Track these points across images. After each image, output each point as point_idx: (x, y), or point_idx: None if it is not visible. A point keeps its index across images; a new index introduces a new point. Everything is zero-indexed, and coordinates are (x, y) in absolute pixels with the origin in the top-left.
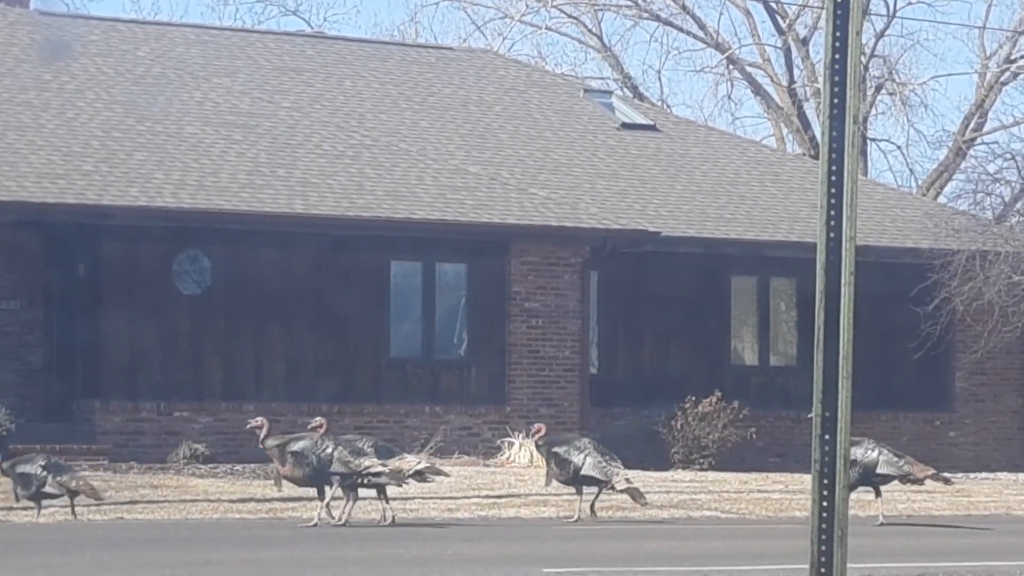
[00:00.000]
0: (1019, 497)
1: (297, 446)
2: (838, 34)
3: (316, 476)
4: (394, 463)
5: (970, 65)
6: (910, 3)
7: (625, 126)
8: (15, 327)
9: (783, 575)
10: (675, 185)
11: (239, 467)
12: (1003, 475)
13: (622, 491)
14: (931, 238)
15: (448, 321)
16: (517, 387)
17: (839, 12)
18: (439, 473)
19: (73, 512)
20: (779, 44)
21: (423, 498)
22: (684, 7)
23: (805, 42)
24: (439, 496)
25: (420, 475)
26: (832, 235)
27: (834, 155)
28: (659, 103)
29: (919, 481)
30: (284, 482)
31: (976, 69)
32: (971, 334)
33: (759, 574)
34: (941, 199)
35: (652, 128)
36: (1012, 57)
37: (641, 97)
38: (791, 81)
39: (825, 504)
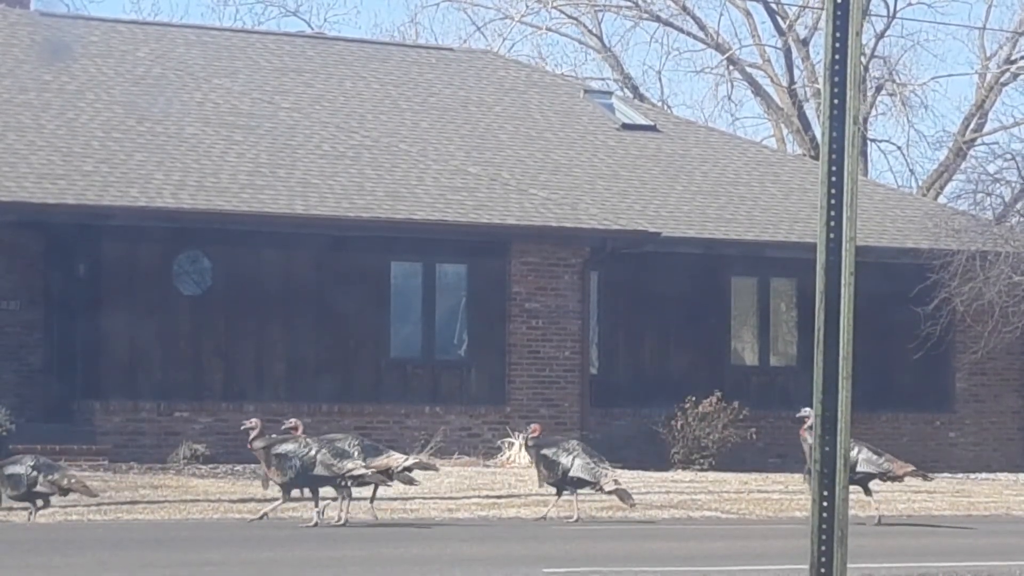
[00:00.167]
0: (1019, 498)
1: (281, 449)
2: (838, 35)
3: (300, 478)
4: (382, 460)
5: (970, 66)
6: (910, 4)
7: (625, 127)
8: (15, 327)
9: (783, 575)
10: (675, 186)
11: (239, 467)
12: (1003, 475)
13: (610, 492)
14: (931, 238)
15: (448, 322)
16: (517, 387)
17: (839, 13)
18: (429, 468)
19: (80, 506)
20: (779, 45)
21: (423, 498)
22: (684, 8)
23: (805, 43)
24: (439, 496)
25: (408, 471)
26: (832, 235)
27: (834, 156)
28: (659, 104)
29: (899, 478)
30: (271, 484)
31: (976, 70)
32: (971, 334)
33: (759, 574)
34: (941, 199)
35: (652, 129)
36: (1012, 58)
37: (641, 98)
38: (791, 82)
39: (825, 504)
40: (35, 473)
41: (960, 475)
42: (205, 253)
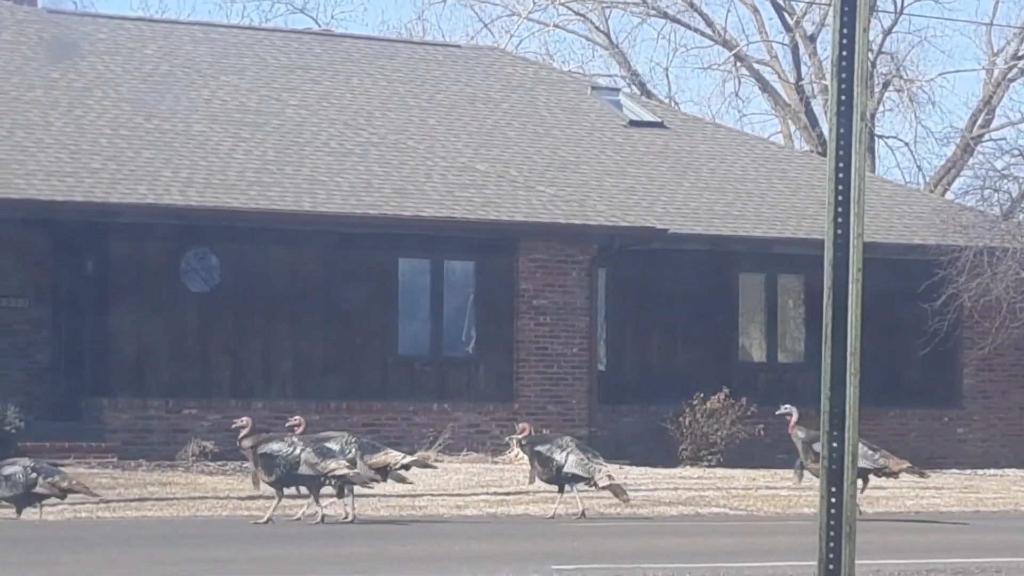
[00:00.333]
0: None
1: (267, 448)
2: (845, 31)
3: (286, 477)
4: (379, 458)
5: (978, 62)
6: (918, 0)
7: (633, 123)
8: (23, 325)
9: (792, 571)
10: (683, 182)
11: (247, 464)
12: (1011, 471)
13: (604, 488)
14: (939, 234)
15: (456, 318)
16: (525, 384)
17: (846, 9)
18: (427, 466)
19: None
20: (786, 41)
21: (432, 495)
22: (691, 4)
23: (812, 39)
24: (448, 493)
25: (407, 468)
26: (840, 232)
27: (842, 152)
28: (667, 100)
29: (894, 474)
30: (262, 483)
31: (984, 66)
32: (979, 330)
33: (768, 570)
34: (949, 195)
35: (660, 125)
36: (1020, 54)
37: (648, 94)
38: (798, 78)
39: (833, 501)
40: (35, 475)
41: (968, 471)
42: (213, 250)
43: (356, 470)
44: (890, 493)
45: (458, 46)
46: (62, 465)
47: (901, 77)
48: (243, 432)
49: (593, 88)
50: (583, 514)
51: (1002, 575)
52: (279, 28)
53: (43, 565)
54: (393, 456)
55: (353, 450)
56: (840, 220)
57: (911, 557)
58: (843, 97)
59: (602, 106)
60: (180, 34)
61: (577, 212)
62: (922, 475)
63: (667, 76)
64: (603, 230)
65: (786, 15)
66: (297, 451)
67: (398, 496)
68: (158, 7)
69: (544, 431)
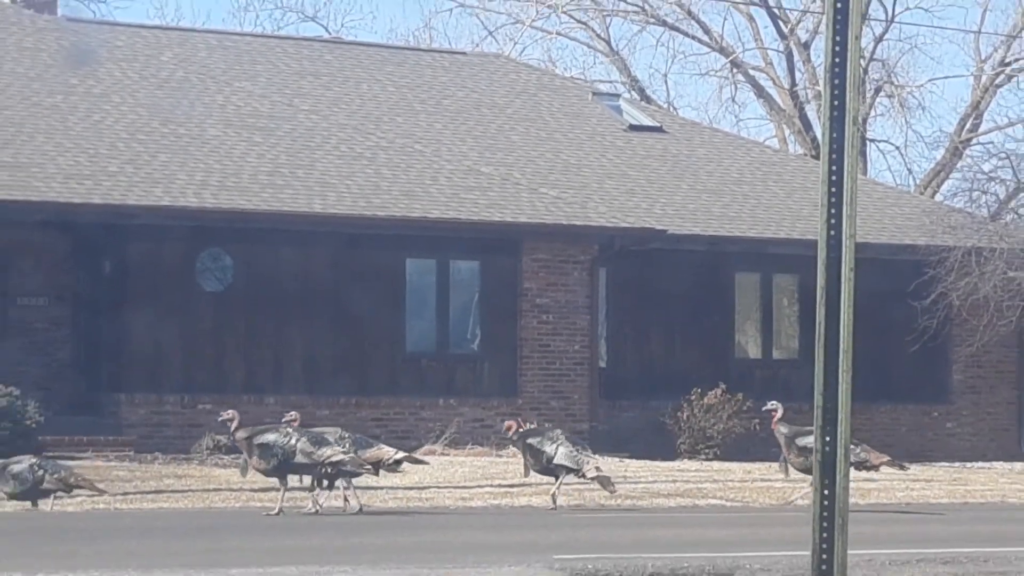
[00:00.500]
0: (1015, 486)
1: (263, 439)
2: (838, 38)
3: (282, 467)
4: (372, 452)
5: (966, 68)
6: (908, 8)
7: (632, 128)
8: (43, 323)
9: (787, 561)
10: (681, 185)
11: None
12: (999, 464)
13: (592, 478)
14: (928, 235)
15: (462, 317)
16: (528, 380)
17: (839, 17)
18: (418, 462)
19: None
20: (781, 48)
21: (438, 487)
22: (689, 12)
23: (806, 46)
24: (453, 485)
25: (398, 463)
26: (832, 233)
27: (834, 155)
28: (665, 105)
29: (875, 467)
30: (251, 471)
31: (972, 72)
32: (967, 328)
33: (763, 560)
34: (938, 197)
35: (659, 130)
36: (1006, 60)
37: (648, 100)
38: (793, 84)
39: (826, 492)
40: (40, 472)
41: (957, 464)
42: (226, 251)
43: (349, 457)
44: (881, 485)
45: (464, 53)
46: (81, 458)
47: (892, 83)
48: (233, 425)
49: (594, 94)
50: (554, 503)
51: (989, 564)
52: (291, 36)
53: (63, 556)
54: (386, 451)
55: (347, 444)
56: (833, 221)
57: (902, 547)
58: (836, 102)
59: (603, 111)
60: (195, 42)
61: (579, 213)
62: (902, 468)
63: (666, 82)
64: (604, 231)
65: (781, 23)
66: (293, 440)
67: (405, 488)
68: (174, 16)
69: (546, 425)
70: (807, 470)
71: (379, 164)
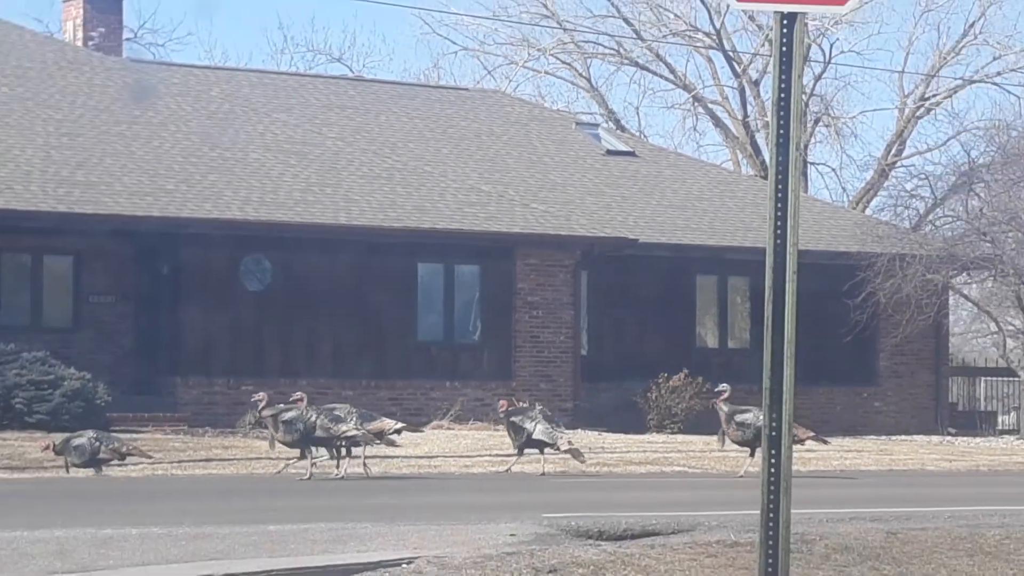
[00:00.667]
0: (932, 455)
1: (287, 416)
2: (783, 77)
3: (303, 440)
4: (375, 424)
5: (892, 102)
6: (843, 52)
7: (609, 152)
8: (111, 318)
9: (740, 519)
10: (650, 201)
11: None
12: (919, 437)
13: (565, 451)
14: (859, 244)
15: (464, 312)
16: (521, 366)
17: (784, 59)
18: (415, 430)
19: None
20: (735, 85)
21: (445, 456)
22: (657, 55)
23: (756, 83)
24: (457, 455)
25: (398, 433)
26: (779, 241)
27: (780, 176)
28: (637, 134)
29: (801, 441)
30: (277, 444)
31: (896, 105)
32: (892, 322)
33: (720, 518)
34: (868, 212)
35: (631, 154)
36: (926, 96)
37: (623, 129)
38: (745, 115)
39: (773, 461)
40: (97, 443)
41: (883, 437)
42: (266, 256)
43: (362, 432)
44: (820, 455)
45: (466, 89)
46: (142, 432)
47: (829, 115)
48: (262, 404)
49: (577, 124)
50: (509, 471)
51: (911, 521)
52: (320, 74)
53: (127, 514)
54: (387, 423)
55: (354, 418)
56: (779, 232)
57: (837, 507)
58: (781, 131)
59: (584, 138)
60: (239, 79)
61: (563, 225)
62: (824, 442)
63: (638, 114)
64: (585, 240)
65: (735, 64)
66: (313, 418)
67: (417, 457)
68: (221, 57)
69: (530, 405)
70: (742, 442)
71: (395, 183)
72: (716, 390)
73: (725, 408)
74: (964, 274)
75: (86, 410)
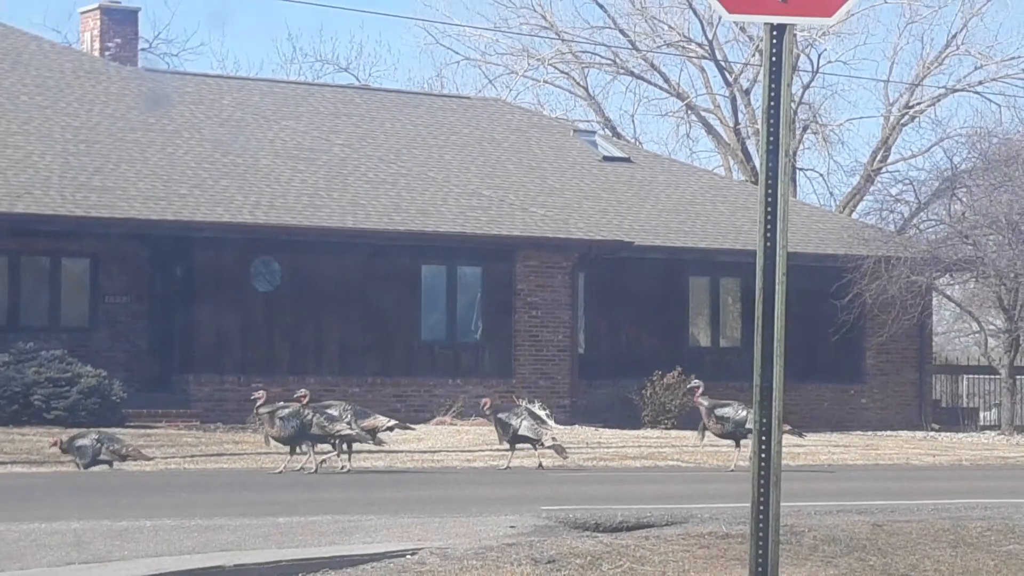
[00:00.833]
0: (916, 450)
1: (284, 413)
2: (773, 86)
3: (298, 436)
4: (369, 422)
5: (877, 110)
6: (830, 62)
7: (606, 159)
8: (126, 317)
9: (731, 511)
10: (645, 205)
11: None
12: (903, 433)
13: (549, 447)
14: (846, 246)
15: (467, 312)
16: (521, 364)
17: (774, 69)
18: (407, 428)
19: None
20: (727, 94)
21: (447, 451)
22: (652, 65)
23: (747, 92)
24: (459, 450)
25: (390, 430)
26: (769, 244)
27: (770, 181)
28: (633, 140)
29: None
30: (272, 441)
31: (882, 113)
32: (878, 322)
33: (712, 510)
34: (855, 216)
35: (627, 160)
36: (910, 104)
37: (618, 136)
38: (736, 123)
39: (763, 455)
40: (99, 444)
41: (869, 433)
42: (275, 258)
43: (356, 430)
44: (808, 450)
45: (468, 98)
46: (156, 427)
47: (817, 122)
48: (260, 401)
49: (574, 131)
50: (508, 466)
51: (896, 513)
52: (328, 83)
53: (139, 507)
54: (380, 421)
55: (349, 415)
56: (769, 235)
57: (825, 500)
58: (771, 138)
59: (581, 145)
60: (250, 88)
61: (562, 228)
62: (800, 435)
63: (633, 121)
64: (582, 242)
65: (727, 74)
66: (309, 416)
67: (420, 452)
68: (233, 66)
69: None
70: (722, 435)
71: (399, 188)
72: (690, 387)
73: (705, 403)
74: (947, 276)
75: (102, 406)
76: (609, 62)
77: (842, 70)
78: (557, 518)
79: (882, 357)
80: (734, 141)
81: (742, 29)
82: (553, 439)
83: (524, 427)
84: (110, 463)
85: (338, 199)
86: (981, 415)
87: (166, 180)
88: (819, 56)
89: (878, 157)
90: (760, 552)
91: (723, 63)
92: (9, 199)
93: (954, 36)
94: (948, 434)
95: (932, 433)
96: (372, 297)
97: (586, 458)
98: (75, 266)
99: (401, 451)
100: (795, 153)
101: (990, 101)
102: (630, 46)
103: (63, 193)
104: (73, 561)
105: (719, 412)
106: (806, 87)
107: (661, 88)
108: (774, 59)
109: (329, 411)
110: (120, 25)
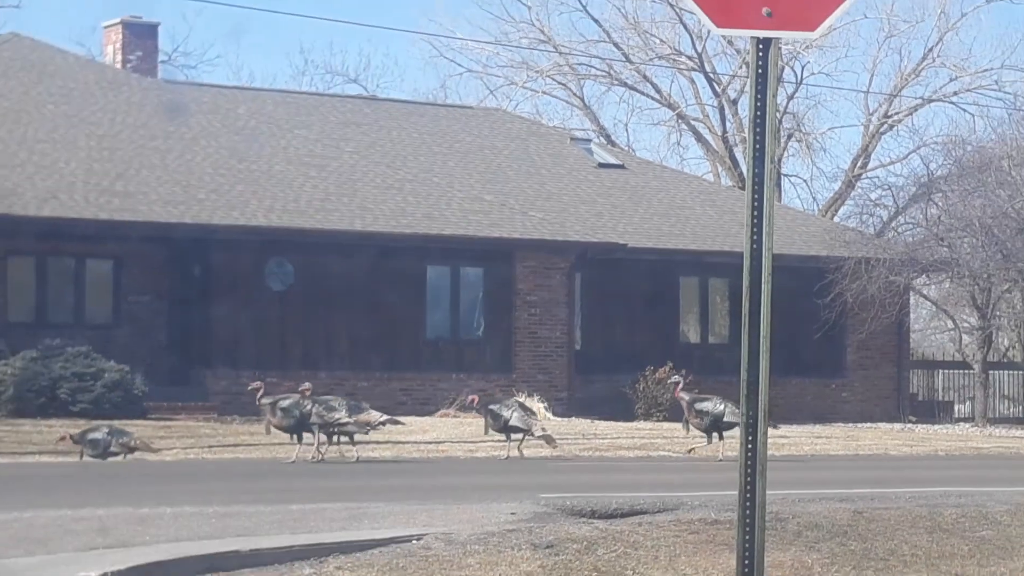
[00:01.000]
0: (895, 441)
1: (285, 403)
2: (759, 97)
3: (298, 426)
4: (363, 416)
5: (858, 119)
6: (813, 73)
7: (601, 165)
8: (147, 315)
9: (719, 499)
10: (638, 209)
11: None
12: (882, 425)
13: (539, 437)
14: (828, 248)
15: (469, 310)
16: (521, 360)
17: (760, 81)
18: (397, 422)
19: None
20: (715, 104)
21: (451, 442)
22: (645, 77)
23: (735, 102)
24: (462, 441)
25: (383, 424)
26: (755, 246)
27: (756, 186)
28: (626, 148)
29: None
30: (273, 430)
31: (862, 122)
32: (858, 319)
33: (702, 498)
34: (836, 219)
35: (621, 167)
36: (889, 113)
37: (613, 144)
38: (724, 131)
39: (750, 446)
40: (109, 437)
41: (850, 425)
42: (288, 259)
43: (353, 421)
44: (792, 441)
45: (471, 107)
46: (175, 419)
47: (801, 131)
48: (259, 393)
49: (571, 139)
50: (508, 457)
51: (875, 501)
52: (338, 94)
53: (160, 495)
54: (373, 415)
55: (344, 409)
56: (755, 237)
57: (808, 488)
58: (757, 146)
59: (578, 152)
60: (264, 98)
61: (559, 231)
62: (775, 427)
63: (626, 130)
64: (578, 244)
65: (715, 85)
66: (309, 407)
67: (426, 443)
68: (247, 77)
69: (535, 395)
70: (702, 429)
71: (406, 193)
72: (670, 381)
73: (686, 397)
74: (924, 276)
75: (125, 399)
76: (604, 74)
77: (825, 81)
78: (555, 505)
79: (862, 353)
80: (722, 149)
81: (729, 43)
82: (543, 429)
83: (515, 418)
84: (117, 455)
85: (347, 203)
86: (956, 408)
87: (185, 185)
88: (803, 68)
89: (858, 164)
90: (747, 537)
91: (712, 75)
92: (36, 203)
93: (930, 49)
94: (924, 426)
95: (909, 425)
96: (379, 296)
97: (582, 448)
98: (99, 267)
99: (407, 442)
100: (780, 160)
101: (964, 111)
102: (624, 59)
103: (87, 198)
104: (98, 546)
105: (699, 406)
106: (790, 97)
107: (653, 98)
108: (760, 71)
109: (329, 403)
110: (141, 39)
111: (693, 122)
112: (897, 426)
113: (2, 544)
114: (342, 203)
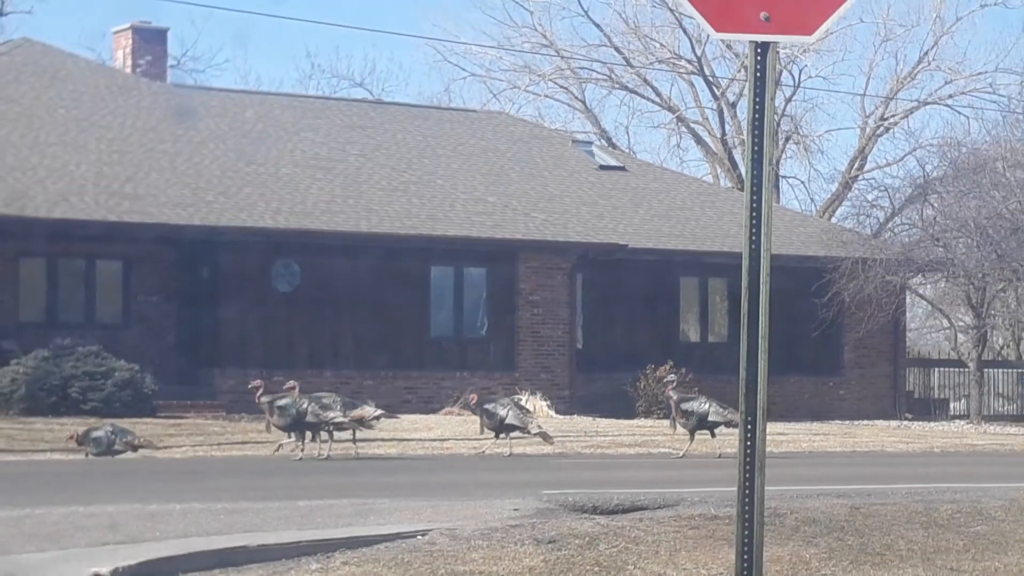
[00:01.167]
0: (891, 438)
1: (281, 402)
2: (757, 100)
3: (295, 424)
4: (358, 412)
5: (854, 122)
6: (810, 77)
7: (602, 167)
8: (156, 315)
9: (718, 495)
10: (639, 210)
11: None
12: (879, 422)
13: (535, 434)
14: (826, 248)
15: (473, 310)
16: (523, 358)
17: (758, 84)
18: (392, 417)
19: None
20: (714, 107)
21: (455, 439)
22: (645, 80)
23: (733, 105)
24: (466, 438)
25: (377, 419)
26: (753, 247)
27: (755, 188)
28: (627, 150)
29: (736, 424)
30: (273, 428)
31: (859, 125)
32: (855, 319)
33: (701, 494)
34: (833, 220)
35: (622, 169)
36: (885, 116)
37: (614, 146)
38: (723, 134)
39: (748, 443)
40: (112, 436)
41: (847, 422)
42: (295, 261)
43: (347, 419)
44: (790, 438)
45: (474, 111)
46: (184, 418)
47: (798, 133)
48: (259, 391)
49: (573, 141)
50: (511, 454)
51: (872, 496)
52: (344, 97)
53: (170, 491)
54: (368, 411)
55: (339, 405)
56: (754, 238)
57: (806, 484)
58: (756, 148)
59: (579, 155)
60: (272, 102)
61: (561, 232)
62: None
63: (627, 132)
64: (580, 245)
65: (714, 88)
66: (305, 405)
67: (431, 440)
68: (255, 81)
69: (538, 393)
70: (687, 428)
71: (410, 195)
72: (664, 380)
73: (674, 396)
74: (919, 276)
75: (135, 398)
76: (605, 77)
77: (822, 85)
78: (557, 501)
79: (859, 352)
80: (721, 151)
81: (728, 47)
82: (539, 427)
83: (511, 416)
84: (121, 453)
85: (353, 205)
86: (951, 405)
87: (193, 188)
88: (800, 72)
89: (855, 165)
90: (746, 532)
91: (711, 78)
92: (47, 205)
93: (926, 53)
94: (920, 423)
95: (905, 422)
96: (385, 296)
97: (584, 446)
98: (109, 267)
99: (412, 439)
100: (778, 162)
101: (959, 113)
102: (624, 63)
103: (97, 200)
104: (109, 542)
105: (684, 406)
106: (788, 100)
107: (653, 102)
108: (758, 75)
109: (323, 400)
110: (150, 44)
111: (693, 125)
112: (893, 423)
113: (15, 540)
114: (348, 205)
